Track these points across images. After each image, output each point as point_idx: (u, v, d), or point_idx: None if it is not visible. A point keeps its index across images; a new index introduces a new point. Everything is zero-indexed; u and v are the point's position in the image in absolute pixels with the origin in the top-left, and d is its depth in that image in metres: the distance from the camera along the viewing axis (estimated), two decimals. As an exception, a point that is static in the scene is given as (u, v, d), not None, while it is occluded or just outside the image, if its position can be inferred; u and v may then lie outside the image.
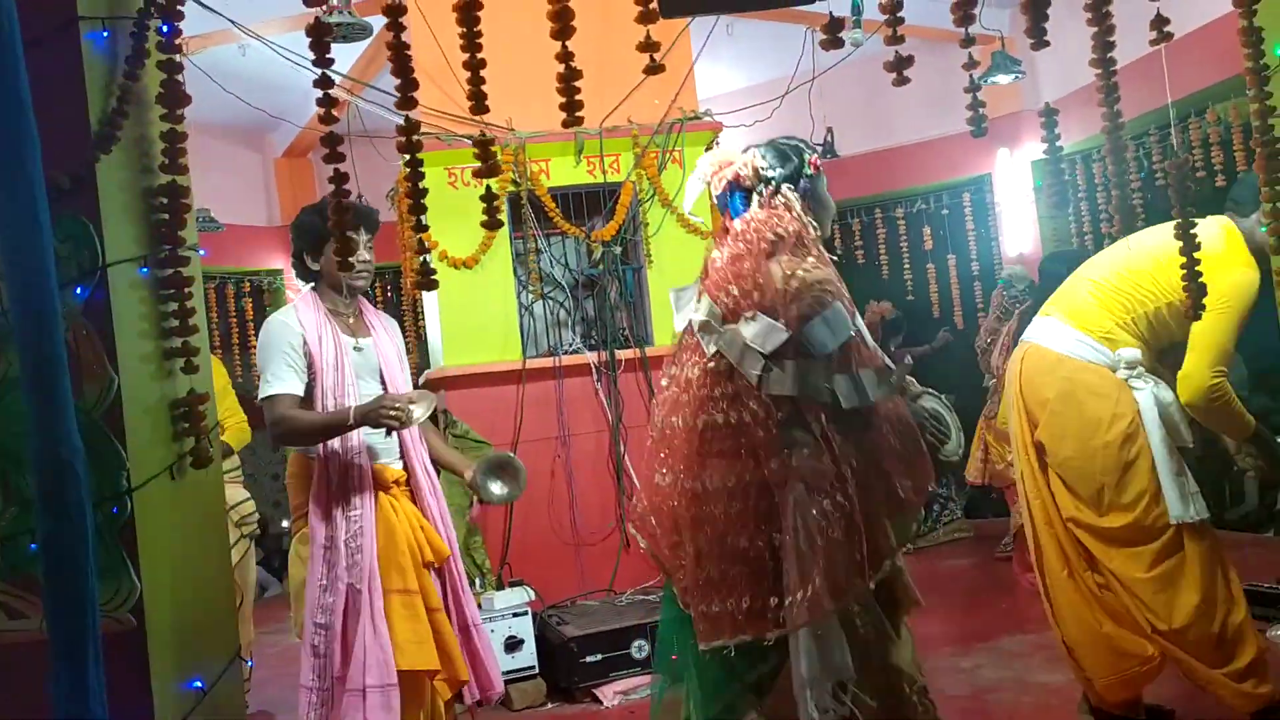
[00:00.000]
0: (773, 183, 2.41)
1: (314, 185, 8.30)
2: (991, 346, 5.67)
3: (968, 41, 2.14)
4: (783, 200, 2.39)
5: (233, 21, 3.24)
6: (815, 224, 2.42)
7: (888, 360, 2.42)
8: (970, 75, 2.24)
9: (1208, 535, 2.98)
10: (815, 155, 2.49)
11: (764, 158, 2.44)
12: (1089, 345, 3.05)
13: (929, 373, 6.77)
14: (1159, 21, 2.18)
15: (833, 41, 2.20)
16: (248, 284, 7.88)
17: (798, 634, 2.17)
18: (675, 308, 2.53)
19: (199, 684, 1.91)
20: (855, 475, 2.21)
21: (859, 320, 2.35)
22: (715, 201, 2.53)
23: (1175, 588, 2.94)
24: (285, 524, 9.30)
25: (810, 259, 2.31)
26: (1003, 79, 5.71)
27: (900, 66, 2.17)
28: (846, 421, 2.23)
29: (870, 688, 2.22)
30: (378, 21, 5.08)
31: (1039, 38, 2.03)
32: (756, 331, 2.24)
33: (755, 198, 2.42)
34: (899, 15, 2.11)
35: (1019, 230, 6.96)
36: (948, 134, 7.20)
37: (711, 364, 2.31)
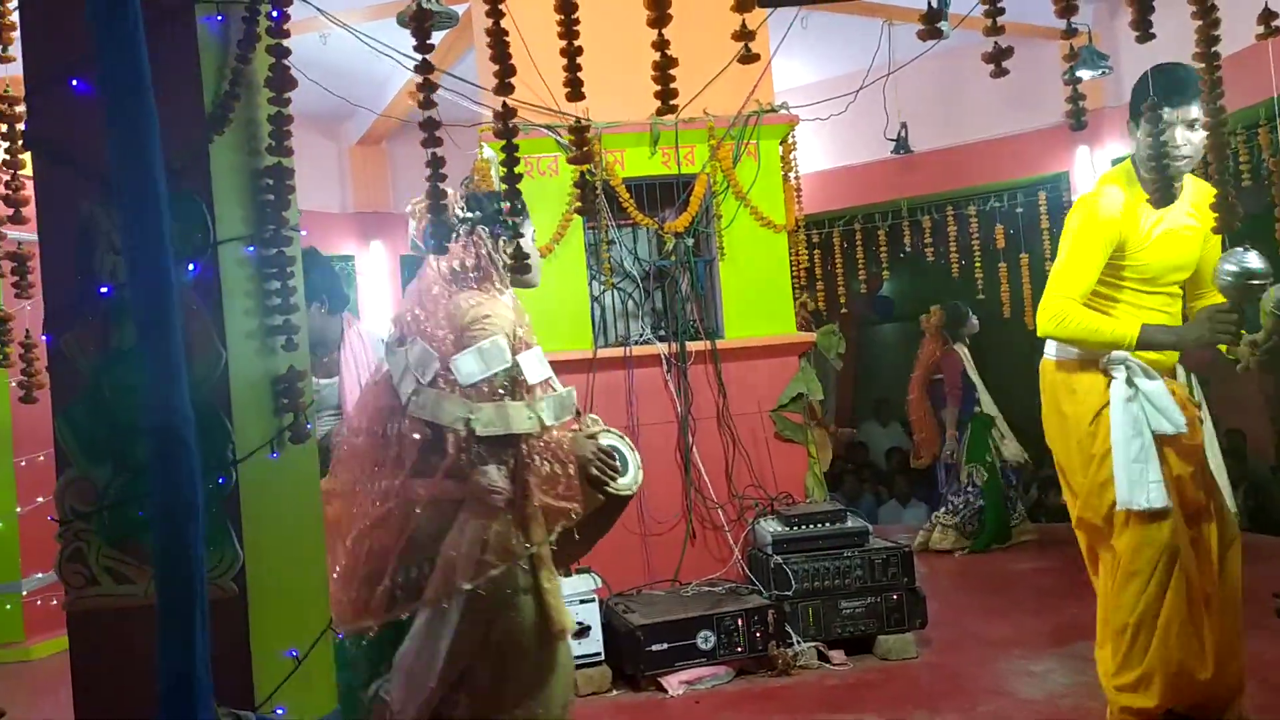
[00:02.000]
0: (468, 223, 2.72)
1: (388, 173, 8.42)
2: None
3: (1069, 33, 2.11)
4: (475, 239, 2.70)
5: (321, 10, 3.30)
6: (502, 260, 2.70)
7: (559, 390, 2.69)
8: (1070, 67, 2.21)
9: (1158, 532, 2.88)
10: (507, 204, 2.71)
11: (460, 201, 2.76)
12: (1083, 354, 3.07)
13: (992, 371, 6.68)
14: (1267, 16, 2.13)
15: (931, 31, 2.18)
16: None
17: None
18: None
19: (294, 653, 1.96)
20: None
21: (533, 352, 2.65)
22: (417, 238, 2.87)
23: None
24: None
25: (481, 294, 2.64)
26: (1088, 74, 5.61)
27: (999, 58, 2.14)
28: (491, 446, 2.47)
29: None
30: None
31: (1144, 29, 2.00)
32: (415, 357, 2.55)
33: (455, 235, 2.73)
34: (999, 5, 2.09)
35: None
36: (1024, 130, 7.11)
37: (379, 379, 2.68)
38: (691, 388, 4.97)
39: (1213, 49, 2.09)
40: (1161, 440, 2.94)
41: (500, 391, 2.54)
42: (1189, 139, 2.88)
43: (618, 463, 2.68)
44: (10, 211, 2.35)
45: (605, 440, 2.68)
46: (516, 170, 2.12)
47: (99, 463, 1.87)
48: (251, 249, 1.97)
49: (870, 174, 7.58)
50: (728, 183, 5.03)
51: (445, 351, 2.54)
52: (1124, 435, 2.92)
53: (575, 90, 2.11)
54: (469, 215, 2.73)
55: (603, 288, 5.07)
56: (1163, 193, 2.68)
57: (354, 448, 2.63)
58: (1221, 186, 2.15)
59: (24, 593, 5.89)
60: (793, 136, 5.32)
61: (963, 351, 6.61)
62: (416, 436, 2.52)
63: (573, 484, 2.55)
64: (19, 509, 5.91)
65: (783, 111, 5.15)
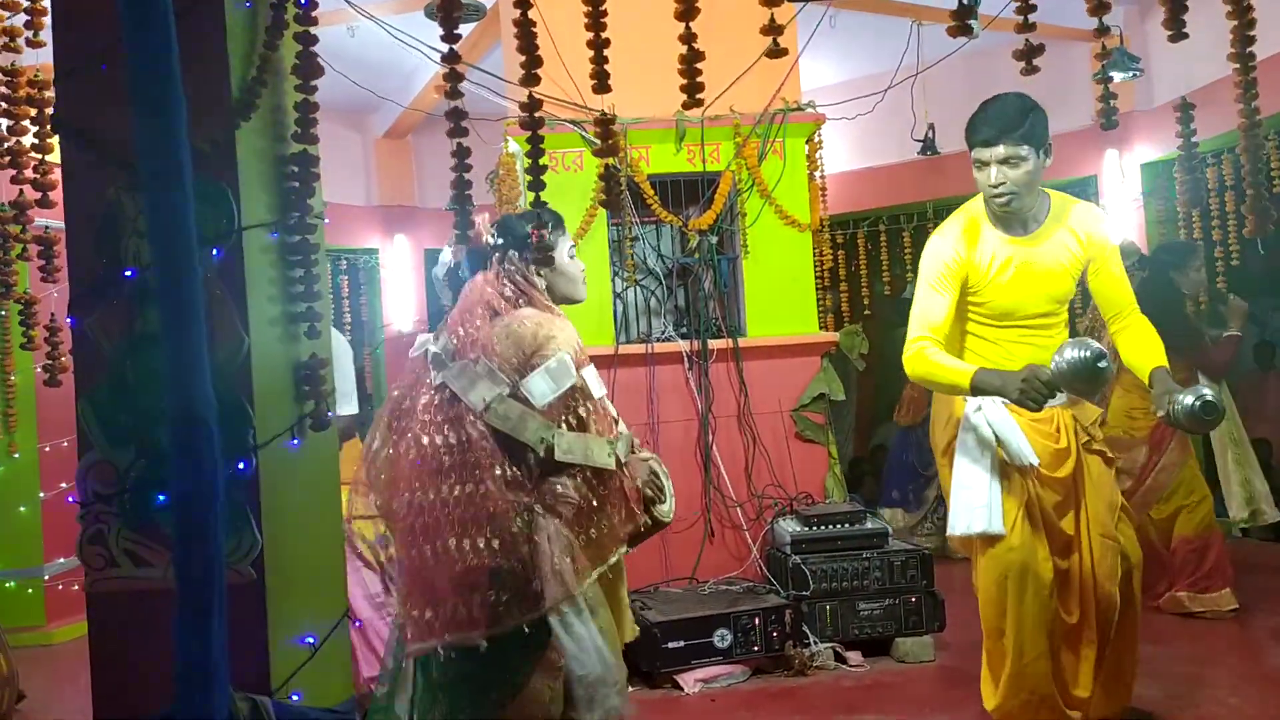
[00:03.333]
0: (498, 250, 2.74)
1: (412, 167, 8.44)
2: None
3: (1101, 30, 2.08)
4: (509, 263, 2.73)
5: (349, 1, 3.31)
6: (545, 282, 2.75)
7: (614, 414, 2.80)
8: (1102, 65, 2.18)
9: (1000, 555, 2.95)
10: (534, 225, 2.70)
11: (490, 228, 2.77)
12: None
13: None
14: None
15: (961, 29, 2.16)
16: (344, 262, 8.04)
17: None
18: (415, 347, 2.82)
19: (311, 640, 1.96)
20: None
21: (591, 368, 2.68)
22: (456, 270, 2.88)
23: None
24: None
25: (539, 313, 2.67)
26: (1118, 76, 5.56)
27: (1030, 55, 2.13)
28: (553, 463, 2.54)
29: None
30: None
31: (1178, 29, 1.98)
32: (487, 372, 2.57)
33: (489, 261, 2.76)
34: (1031, 3, 2.07)
35: (1126, 235, 6.77)
36: (1052, 133, 7.03)
37: (435, 393, 2.62)
38: (713, 386, 4.95)
39: (1248, 49, 2.06)
40: (1021, 471, 2.97)
41: (571, 404, 2.60)
42: (1007, 176, 2.88)
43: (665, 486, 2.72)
44: (38, 196, 2.37)
45: (653, 465, 2.76)
46: (541, 162, 2.12)
47: (121, 446, 1.88)
48: (275, 236, 1.97)
49: (896, 175, 7.54)
50: (753, 180, 5.02)
51: (509, 372, 2.59)
52: (969, 458, 2.99)
53: (602, 82, 2.11)
54: (499, 241, 2.75)
55: (626, 284, 5.07)
56: (1004, 225, 2.89)
57: (407, 457, 2.59)
58: (1256, 190, 2.12)
59: (46, 577, 5.95)
60: (819, 135, 5.30)
61: None
62: (487, 445, 2.52)
63: (634, 514, 2.62)
64: (42, 494, 5.96)
65: (809, 110, 5.13)
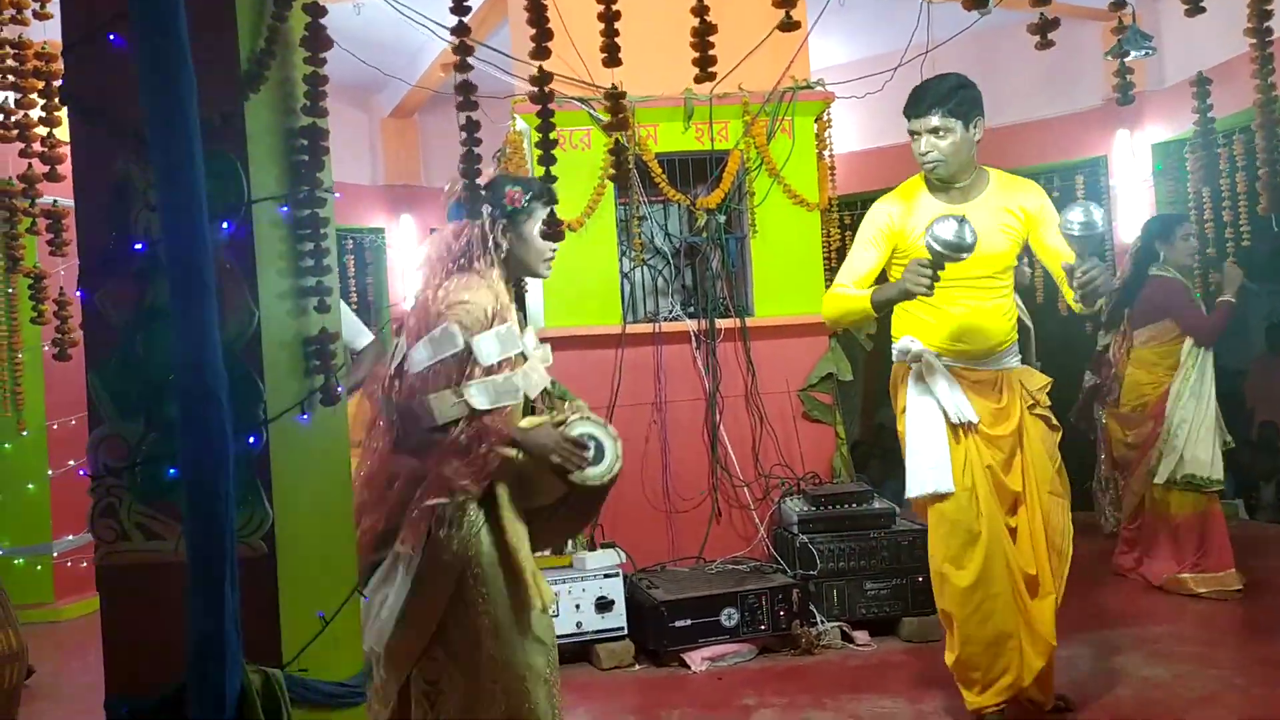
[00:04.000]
0: (482, 204, 2.68)
1: (418, 146, 8.41)
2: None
3: (1118, 4, 2.06)
4: (478, 220, 2.67)
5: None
6: (502, 246, 2.68)
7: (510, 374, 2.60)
8: (1118, 40, 2.15)
9: (947, 512, 3.13)
10: (518, 190, 2.71)
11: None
12: (896, 349, 3.33)
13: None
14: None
15: (976, 2, 2.13)
16: (350, 241, 8.03)
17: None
18: None
19: (321, 614, 1.96)
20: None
21: (493, 332, 2.55)
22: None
23: None
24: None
25: (467, 277, 2.61)
26: (1131, 54, 5.51)
27: (1045, 29, 2.09)
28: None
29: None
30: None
31: (1194, 2, 1.95)
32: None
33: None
34: (1047, -25, 2.03)
35: (1135, 216, 6.72)
36: (1062, 113, 7.00)
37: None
38: (720, 365, 4.95)
39: (1264, 24, 2.04)
40: (964, 430, 3.17)
41: (453, 377, 2.53)
42: (935, 145, 3.13)
43: (590, 452, 2.60)
44: (46, 169, 2.36)
45: (579, 429, 2.61)
46: (551, 136, 2.11)
47: (131, 419, 1.88)
48: (285, 209, 1.96)
49: (905, 155, 7.38)
50: (761, 159, 5.00)
51: (410, 341, 2.58)
52: (911, 428, 3.22)
53: (612, 55, 2.09)
54: (483, 194, 2.69)
55: (633, 264, 5.05)
56: (943, 195, 3.16)
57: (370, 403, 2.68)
58: (1271, 166, 2.10)
59: (54, 554, 5.97)
60: (828, 114, 5.28)
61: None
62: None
63: (476, 463, 2.51)
64: (50, 472, 5.98)
65: (818, 89, 5.11)
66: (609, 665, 4.20)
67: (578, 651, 4.27)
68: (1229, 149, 5.90)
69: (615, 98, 2.18)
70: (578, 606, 4.20)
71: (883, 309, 3.13)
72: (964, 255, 2.87)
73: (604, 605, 4.22)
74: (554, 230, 2.24)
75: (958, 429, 3.16)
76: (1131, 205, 6.75)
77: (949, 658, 3.23)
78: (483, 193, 2.65)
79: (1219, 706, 3.36)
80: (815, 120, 5.16)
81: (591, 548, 4.51)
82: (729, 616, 4.20)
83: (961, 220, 2.86)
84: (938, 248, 2.85)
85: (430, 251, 2.72)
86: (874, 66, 5.37)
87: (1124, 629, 4.28)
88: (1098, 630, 4.26)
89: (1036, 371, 3.36)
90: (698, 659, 4.14)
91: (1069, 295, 3.05)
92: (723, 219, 5.04)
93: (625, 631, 4.26)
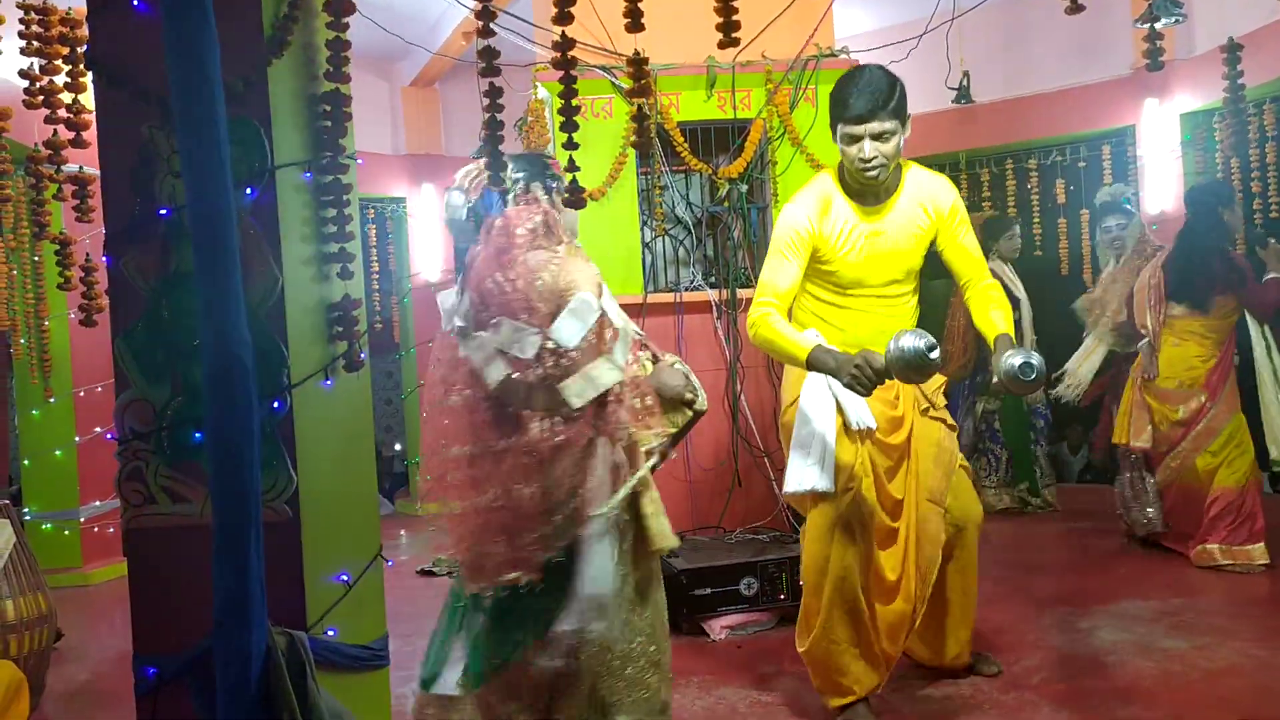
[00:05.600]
0: (520, 181, 2.60)
1: (439, 115, 8.40)
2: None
3: (1149, -31, 2.03)
4: (532, 195, 2.59)
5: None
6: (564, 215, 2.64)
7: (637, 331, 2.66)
8: (1149, 5, 2.13)
9: (823, 512, 3.06)
10: (554, 159, 2.67)
11: (510, 162, 2.60)
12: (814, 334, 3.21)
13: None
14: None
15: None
16: (372, 210, 8.04)
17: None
18: (441, 310, 2.67)
19: (345, 578, 1.98)
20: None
21: (607, 295, 2.56)
22: (475, 209, 2.69)
23: None
24: (398, 447, 9.58)
25: (551, 254, 2.53)
26: (1161, 22, 5.43)
27: (1076, -7, 2.07)
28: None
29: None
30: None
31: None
32: (506, 336, 2.44)
33: (509, 198, 2.62)
34: (1077, -61, 2.01)
35: (1162, 186, 6.65)
36: (1089, 82, 6.92)
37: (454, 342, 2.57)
38: (741, 335, 4.93)
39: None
40: (859, 434, 3.09)
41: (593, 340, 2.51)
42: (879, 150, 2.94)
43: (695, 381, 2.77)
44: (72, 136, 2.37)
45: (680, 366, 2.77)
46: (573, 103, 2.11)
47: (157, 384, 1.90)
48: (308, 175, 1.96)
49: (929, 124, 7.40)
50: (784, 128, 4.96)
51: (539, 320, 2.48)
52: (800, 422, 3.09)
53: (635, 20, 2.08)
54: (519, 175, 2.64)
55: (654, 234, 5.04)
56: (856, 197, 3.01)
57: (452, 410, 2.53)
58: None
59: (82, 520, 6.05)
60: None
61: (1000, 268, 6.09)
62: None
63: (654, 411, 2.57)
64: (77, 438, 6.05)
65: (842, 57, 5.05)
66: (629, 633, 4.22)
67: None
68: (1259, 119, 5.82)
69: (638, 63, 2.18)
70: (598, 575, 4.21)
71: (816, 371, 2.92)
72: (924, 379, 2.79)
73: (624, 573, 4.23)
74: (575, 198, 2.24)
75: (851, 432, 3.08)
76: (1159, 176, 6.67)
77: (803, 653, 3.19)
78: (519, 175, 2.60)
79: (1239, 677, 3.35)
80: (839, 88, 5.11)
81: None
82: (749, 586, 4.21)
83: (932, 344, 2.68)
84: (899, 363, 2.69)
85: (501, 241, 2.59)
86: (899, 34, 5.31)
87: (1143, 601, 4.27)
88: (1117, 602, 4.25)
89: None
90: (717, 628, 4.16)
91: (997, 366, 2.84)
92: (745, 188, 5.01)
93: (645, 600, 4.28)
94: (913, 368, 2.67)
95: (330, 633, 1.93)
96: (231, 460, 1.65)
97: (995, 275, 6.24)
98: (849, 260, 3.07)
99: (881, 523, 3.16)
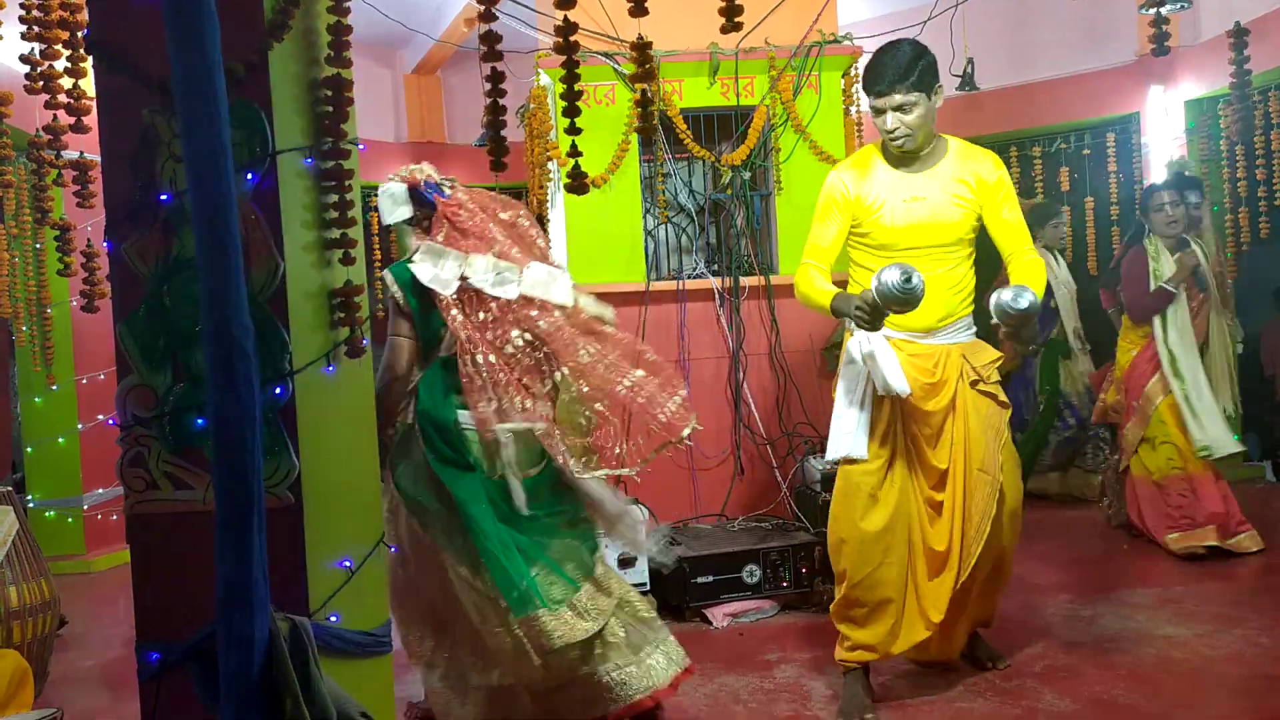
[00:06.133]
0: (450, 181, 3.09)
1: (442, 103, 8.37)
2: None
3: (1156, -48, 2.01)
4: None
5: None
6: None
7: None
8: (1156, -11, 2.11)
9: (854, 478, 3.15)
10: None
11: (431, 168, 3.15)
12: None
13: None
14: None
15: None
16: (374, 199, 8.00)
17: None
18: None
19: (348, 563, 1.98)
20: None
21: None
22: (418, 196, 3.10)
23: None
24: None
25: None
26: (1168, 7, 5.40)
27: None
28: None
29: None
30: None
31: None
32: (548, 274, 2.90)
33: (445, 187, 3.04)
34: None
35: (1166, 174, 6.62)
36: (1095, 69, 6.89)
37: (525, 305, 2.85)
38: (744, 323, 4.93)
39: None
40: (894, 402, 3.14)
41: None
42: (901, 121, 3.05)
43: None
44: (72, 121, 2.36)
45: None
46: (576, 88, 2.09)
47: (159, 369, 1.89)
48: (309, 161, 1.96)
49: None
50: (787, 115, 4.94)
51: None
52: (844, 388, 3.19)
53: (638, 5, 2.06)
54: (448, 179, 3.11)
55: (657, 221, 5.03)
56: (898, 164, 3.12)
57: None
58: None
59: (85, 507, 6.06)
60: (855, 69, 5.20)
61: (1044, 256, 5.90)
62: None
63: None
64: (80, 425, 6.05)
65: (846, 43, 5.03)
66: (631, 620, 4.22)
67: (600, 606, 4.30)
68: (1264, 105, 5.79)
69: (642, 48, 2.16)
70: (600, 562, 4.22)
71: (839, 317, 3.11)
72: (909, 307, 2.84)
73: (626, 561, 4.23)
74: (578, 184, 2.23)
75: (883, 400, 3.14)
76: (1164, 163, 6.63)
77: (832, 607, 3.26)
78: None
79: (1241, 665, 3.35)
80: (842, 75, 5.09)
81: (614, 504, 4.53)
82: (751, 573, 4.21)
83: (906, 272, 2.78)
84: (880, 293, 2.80)
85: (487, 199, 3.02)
86: (903, 20, 5.30)
87: (1145, 589, 4.27)
88: (1118, 590, 4.25)
89: (987, 346, 3.26)
90: (720, 615, 4.17)
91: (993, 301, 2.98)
92: (747, 176, 5.00)
93: (648, 588, 4.28)
94: (893, 300, 2.79)
95: (333, 618, 1.93)
96: (234, 446, 1.64)
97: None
98: (884, 225, 3.15)
99: (926, 494, 3.20)
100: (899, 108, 3.05)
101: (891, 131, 3.08)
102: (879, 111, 3.10)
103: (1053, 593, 4.32)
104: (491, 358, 2.70)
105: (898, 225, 3.14)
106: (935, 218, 3.13)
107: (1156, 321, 4.81)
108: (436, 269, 2.89)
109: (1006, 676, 3.35)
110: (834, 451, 3.20)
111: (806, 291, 3.16)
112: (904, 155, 3.15)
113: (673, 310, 4.90)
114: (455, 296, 2.77)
